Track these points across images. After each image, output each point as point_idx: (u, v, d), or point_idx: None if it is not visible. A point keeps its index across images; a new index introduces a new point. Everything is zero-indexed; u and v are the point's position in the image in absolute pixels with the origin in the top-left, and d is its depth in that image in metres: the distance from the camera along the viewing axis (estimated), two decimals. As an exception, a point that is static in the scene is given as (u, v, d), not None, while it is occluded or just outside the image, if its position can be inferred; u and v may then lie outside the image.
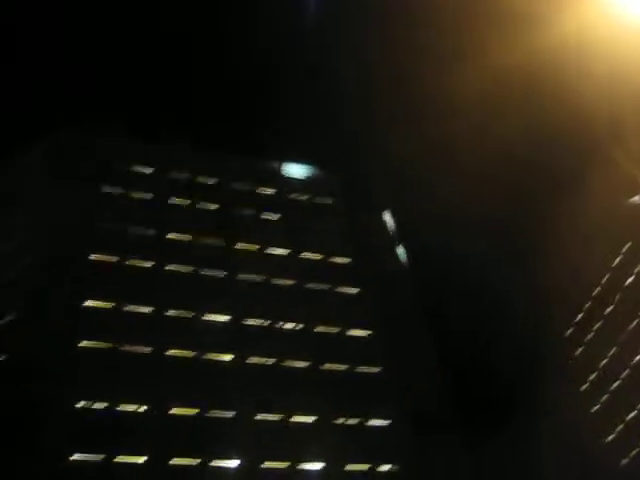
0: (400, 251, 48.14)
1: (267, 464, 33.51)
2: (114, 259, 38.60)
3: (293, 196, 47.14)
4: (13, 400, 31.30)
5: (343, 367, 38.49)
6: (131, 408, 33.33)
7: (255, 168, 48.02)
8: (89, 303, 36.31)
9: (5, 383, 32.80)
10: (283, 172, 48.83)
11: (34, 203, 40.98)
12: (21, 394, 31.71)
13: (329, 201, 47.82)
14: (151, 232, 40.83)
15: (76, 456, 30.95)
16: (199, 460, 32.59)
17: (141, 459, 31.85)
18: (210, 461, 32.84)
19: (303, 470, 34.04)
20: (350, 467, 34.68)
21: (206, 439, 33.34)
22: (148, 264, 39.06)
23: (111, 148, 44.27)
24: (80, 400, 32.65)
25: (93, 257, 38.43)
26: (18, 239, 39.37)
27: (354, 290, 42.68)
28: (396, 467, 35.33)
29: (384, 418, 37.13)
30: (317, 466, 34.22)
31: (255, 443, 33.75)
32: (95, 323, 35.57)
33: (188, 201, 43.57)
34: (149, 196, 42.82)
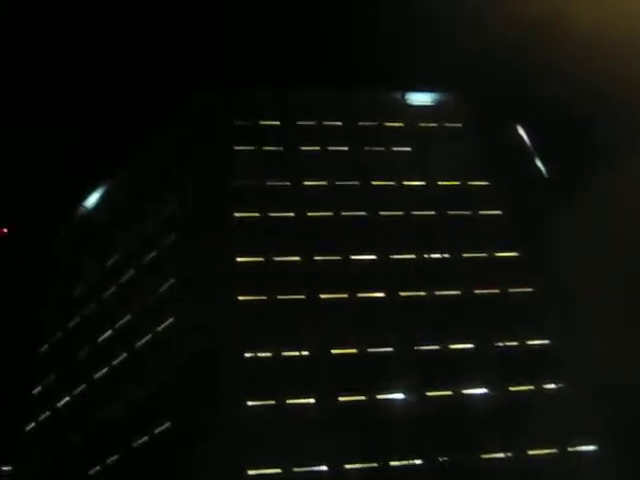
0: (538, 164, 46.40)
1: (431, 393, 34.29)
2: (257, 214, 39.95)
3: (422, 125, 46.39)
4: (188, 358, 33.89)
5: (496, 290, 38.20)
6: (294, 353, 34.99)
7: (379, 101, 47.49)
8: (240, 259, 38.01)
9: (177, 344, 35.47)
10: (408, 102, 48.03)
11: (175, 175, 43.11)
12: (194, 350, 34.24)
13: (459, 125, 46.70)
14: (288, 183, 41.74)
15: (251, 402, 33.08)
16: (365, 396, 33.82)
17: (311, 399, 33.49)
18: (376, 395, 34.00)
19: (467, 395, 34.51)
20: (514, 389, 34.76)
21: (370, 375, 34.42)
22: (290, 214, 40.15)
23: (237, 106, 45.21)
24: (247, 350, 34.63)
25: (237, 214, 39.95)
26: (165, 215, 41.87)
27: (497, 212, 41.86)
28: (560, 384, 35.03)
29: (543, 338, 36.67)
30: (481, 391, 34.59)
31: (417, 374, 34.48)
32: (249, 277, 37.26)
33: (318, 147, 43.98)
34: (281, 148, 43.65)
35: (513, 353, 35.89)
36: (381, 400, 33.91)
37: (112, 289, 44.25)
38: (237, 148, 43.40)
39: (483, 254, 39.74)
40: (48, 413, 45.15)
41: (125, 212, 47.08)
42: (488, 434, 32.89)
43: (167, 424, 33.92)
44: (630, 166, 38.40)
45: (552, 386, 35.04)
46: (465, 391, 34.55)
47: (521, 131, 47.82)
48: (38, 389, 47.52)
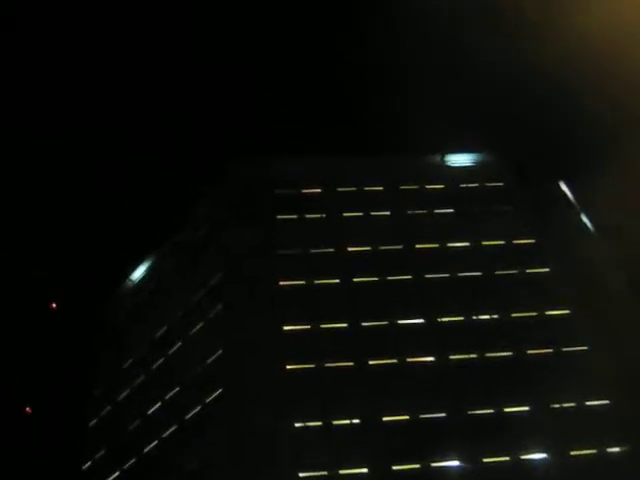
0: (584, 221, 45.87)
1: (487, 460, 33.34)
2: (302, 282, 40.05)
3: (463, 186, 46.45)
4: (238, 430, 33.63)
5: (548, 351, 37.40)
6: (345, 422, 34.49)
7: (419, 164, 47.79)
8: (287, 327, 37.99)
9: (227, 415, 35.26)
10: (448, 163, 48.23)
11: (218, 245, 43.67)
12: (243, 423, 33.99)
13: (500, 184, 46.62)
14: (331, 249, 41.89)
15: (303, 474, 32.53)
16: (419, 464, 33.03)
17: (363, 469, 32.82)
18: (430, 463, 33.19)
19: (525, 461, 33.48)
20: (574, 453, 33.63)
21: (423, 442, 33.69)
22: (335, 280, 40.17)
23: (276, 174, 45.85)
24: (297, 420, 34.23)
25: (282, 283, 40.11)
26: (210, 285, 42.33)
27: (545, 269, 41.34)
28: (624, 448, 33.78)
29: (601, 398, 35.60)
30: (539, 456, 33.54)
31: (472, 441, 33.62)
32: (297, 345, 37.15)
33: (360, 212, 44.21)
34: (323, 215, 44.00)
35: (571, 415, 34.88)
36: (436, 468, 33.09)
37: (160, 360, 44.41)
38: (279, 217, 43.89)
39: (533, 313, 39.10)
40: (99, 489, 44.91)
41: (171, 283, 47.58)
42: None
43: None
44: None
45: (615, 449, 33.82)
46: (523, 457, 33.56)
47: (564, 186, 47.52)
48: (88, 464, 47.36)
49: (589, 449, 33.75)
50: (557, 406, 35.34)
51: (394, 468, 32.93)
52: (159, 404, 42.31)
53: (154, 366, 44.86)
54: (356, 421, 34.49)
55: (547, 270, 41.41)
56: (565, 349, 37.69)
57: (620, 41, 40.74)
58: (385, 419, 34.52)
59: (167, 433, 40.26)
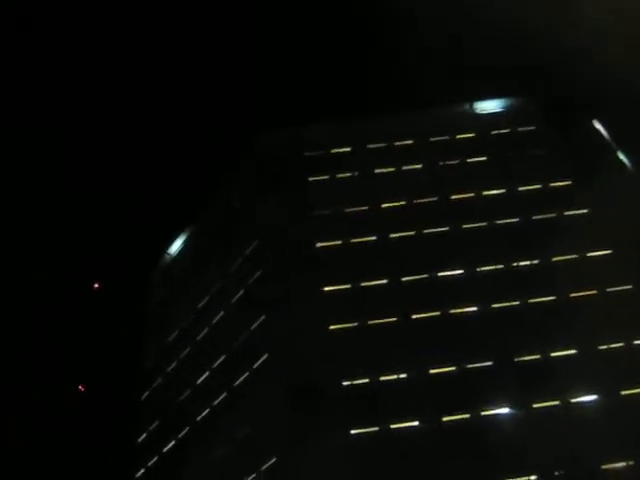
0: (621, 158, 44.83)
1: (538, 405, 33.20)
2: (339, 242, 39.97)
3: (494, 132, 45.65)
4: (287, 392, 33.99)
5: (592, 292, 36.89)
6: (392, 377, 34.60)
7: (448, 115, 47.01)
8: (328, 288, 38.03)
9: (274, 379, 35.62)
10: (477, 112, 47.40)
11: (253, 213, 43.74)
12: (291, 385, 34.32)
13: (532, 127, 45.71)
14: (365, 207, 41.65)
15: (354, 431, 32.78)
16: (470, 414, 33.04)
17: (414, 422, 32.96)
18: (481, 412, 33.19)
19: (576, 404, 33.28)
20: (627, 392, 33.29)
21: (472, 392, 33.67)
22: (372, 238, 40.00)
23: (305, 137, 45.56)
24: (344, 379, 34.44)
25: (319, 244, 40.07)
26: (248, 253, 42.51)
27: (584, 211, 40.60)
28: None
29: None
30: (591, 398, 33.31)
31: (521, 387, 33.47)
32: (338, 306, 37.20)
33: (392, 168, 43.79)
34: (355, 173, 43.71)
35: (619, 355, 34.48)
36: (486, 417, 33.08)
37: (205, 331, 44.94)
38: (311, 179, 43.71)
39: (574, 256, 38.52)
40: (156, 459, 45.89)
41: (209, 254, 47.92)
42: (607, 443, 31.53)
43: (273, 460, 33.96)
44: None
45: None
46: (573, 400, 33.35)
47: (598, 126, 46.40)
48: (143, 437, 48.40)
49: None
50: (604, 347, 34.93)
51: (444, 420, 33.00)
52: (207, 373, 42.91)
53: (199, 336, 45.43)
54: (403, 376, 34.53)
55: (586, 212, 40.67)
56: (609, 289, 37.13)
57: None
58: (432, 372, 34.50)
59: (217, 401, 40.88)
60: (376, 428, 32.85)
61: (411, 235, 39.96)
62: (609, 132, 46.21)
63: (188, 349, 46.48)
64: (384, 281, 37.97)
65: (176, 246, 53.24)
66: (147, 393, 50.24)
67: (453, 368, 34.56)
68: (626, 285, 37.11)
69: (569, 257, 38.55)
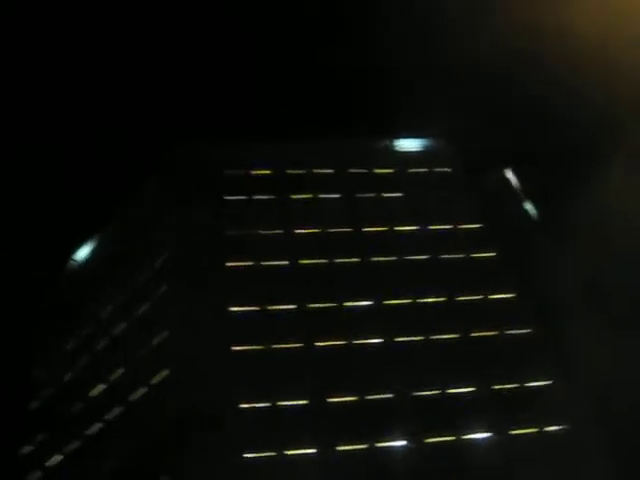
0: (529, 207, 46.76)
1: (432, 440, 33.81)
2: (250, 263, 39.86)
3: (411, 171, 46.83)
4: (183, 411, 33.33)
5: (493, 333, 38.08)
6: (292, 403, 34.51)
7: (369, 149, 48.01)
8: (234, 308, 37.78)
9: (172, 396, 34.91)
10: (397, 149, 48.56)
11: (165, 226, 43.12)
12: (189, 402, 33.71)
13: (448, 170, 47.16)
14: (280, 231, 41.78)
15: (249, 455, 32.45)
16: (366, 445, 33.29)
17: (311, 449, 32.92)
18: (376, 444, 33.49)
19: (468, 441, 34.07)
20: (516, 432, 34.35)
21: (369, 423, 33.96)
22: (283, 262, 40.09)
23: (225, 156, 45.49)
24: (243, 401, 34.13)
25: (230, 264, 39.82)
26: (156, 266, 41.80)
27: (490, 254, 42.03)
28: (565, 427, 34.65)
29: (543, 379, 36.42)
30: (483, 435, 34.18)
31: (417, 421, 34.03)
32: (243, 327, 36.97)
33: (309, 194, 44.19)
34: (272, 196, 43.84)
35: (513, 396, 35.60)
36: (382, 448, 33.41)
37: (105, 342, 43.72)
38: (228, 198, 43.57)
39: (478, 296, 39.75)
40: (39, 473, 43.97)
41: (116, 264, 46.81)
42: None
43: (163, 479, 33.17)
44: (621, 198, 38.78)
45: (554, 428, 34.66)
46: (466, 436, 34.15)
47: (510, 175, 48.32)
48: (28, 448, 46.35)
49: (530, 429, 34.51)
50: (500, 387, 36.02)
51: (340, 448, 33.09)
52: (103, 386, 41.66)
53: (99, 347, 44.14)
54: (302, 402, 34.51)
55: (492, 255, 42.10)
56: (509, 332, 38.41)
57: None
58: (331, 400, 34.64)
59: (111, 415, 39.68)
60: (272, 453, 32.62)
61: (322, 263, 40.30)
62: (520, 182, 48.19)
63: (86, 359, 45.01)
64: (291, 306, 38.04)
65: (83, 252, 51.74)
66: (36, 403, 48.24)
67: (353, 398, 34.81)
68: (525, 329, 38.47)
69: (473, 297, 39.73)
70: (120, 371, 40.58)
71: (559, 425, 34.62)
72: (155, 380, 36.77)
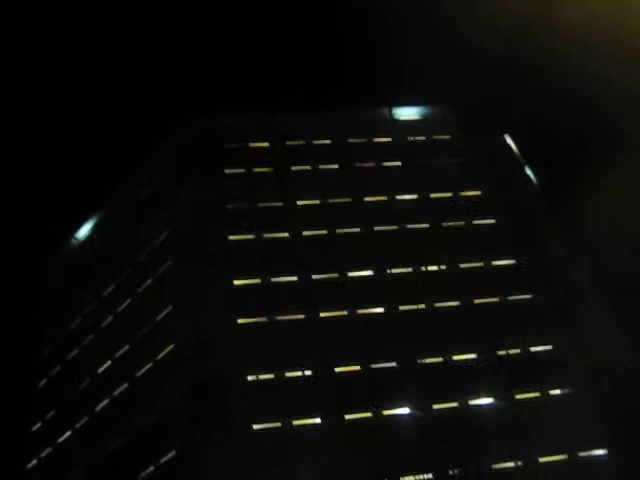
0: (529, 172, 46.65)
1: (437, 406, 34.14)
2: (251, 236, 39.89)
3: (411, 139, 46.61)
4: (190, 385, 33.64)
5: (495, 299, 38.25)
6: (297, 373, 34.80)
7: (367, 118, 47.65)
8: (237, 282, 37.88)
9: (177, 371, 35.18)
10: (396, 117, 48.24)
11: (167, 202, 43.09)
12: (195, 376, 34.01)
13: (448, 137, 46.93)
14: (280, 203, 41.74)
15: (256, 426, 32.80)
16: (371, 412, 33.61)
17: (316, 419, 33.26)
18: (382, 411, 33.82)
19: (473, 406, 34.41)
20: (520, 396, 34.68)
21: (374, 391, 34.26)
22: (284, 234, 40.12)
23: (224, 129, 45.24)
24: (249, 373, 34.40)
25: (232, 237, 39.86)
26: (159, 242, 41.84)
27: (491, 221, 42.03)
28: (566, 391, 34.98)
29: (546, 344, 36.67)
30: (487, 400, 34.51)
31: (422, 388, 34.33)
32: (247, 299, 37.12)
33: (308, 166, 44.04)
34: (271, 169, 43.70)
35: (517, 361, 35.87)
36: (388, 416, 33.73)
37: (109, 319, 43.96)
38: (228, 171, 43.46)
39: (480, 263, 39.82)
40: (50, 449, 44.55)
41: (118, 240, 46.87)
42: (497, 443, 32.73)
43: (172, 453, 33.57)
44: (622, 167, 38.62)
45: (558, 392, 34.97)
46: (471, 402, 34.46)
47: (510, 141, 48.11)
48: (38, 425, 46.90)
49: (533, 392, 34.82)
50: (503, 353, 36.27)
51: (347, 417, 33.40)
52: (109, 363, 42.00)
53: (103, 324, 44.40)
54: (308, 372, 34.78)
55: (493, 222, 42.10)
56: (510, 298, 38.57)
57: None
58: (337, 370, 34.89)
59: (118, 391, 40.06)
60: (278, 424, 32.93)
61: (323, 234, 40.30)
62: (519, 148, 48.02)
63: (91, 337, 45.31)
64: (294, 278, 38.13)
65: (84, 230, 51.77)
66: (45, 381, 48.68)
67: (358, 367, 35.06)
68: (525, 295, 38.62)
69: (474, 264, 39.80)
70: (125, 347, 40.90)
71: (562, 389, 34.93)
72: (160, 355, 37.05)
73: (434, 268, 39.63)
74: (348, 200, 42.33)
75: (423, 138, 46.68)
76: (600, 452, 33.34)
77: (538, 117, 47.25)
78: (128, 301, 42.87)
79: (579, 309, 37.45)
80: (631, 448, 32.42)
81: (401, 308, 37.39)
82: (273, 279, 37.99)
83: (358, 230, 40.84)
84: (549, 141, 46.38)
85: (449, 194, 43.34)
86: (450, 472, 32.05)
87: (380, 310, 37.36)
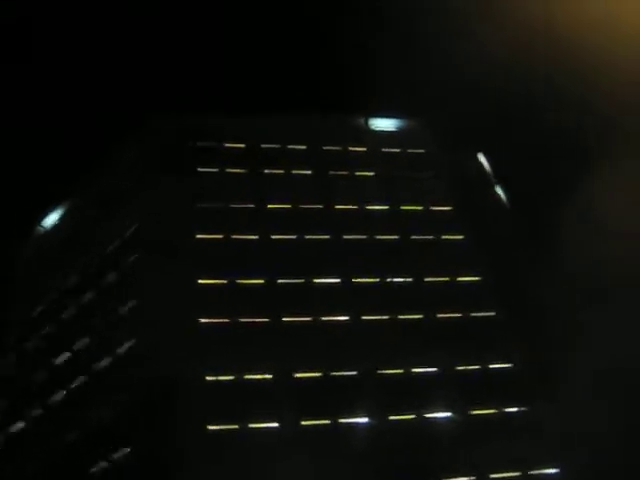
0: (499, 191, 47.20)
1: (394, 418, 34.31)
2: (220, 236, 39.74)
3: (385, 150, 46.88)
4: (148, 381, 33.38)
5: (458, 315, 38.60)
6: (257, 377, 34.71)
7: (343, 127, 47.82)
8: (203, 281, 37.70)
9: (137, 366, 34.90)
10: (372, 127, 48.49)
11: (136, 196, 42.76)
12: (154, 373, 33.74)
13: (421, 150, 47.30)
14: (251, 205, 41.67)
15: (212, 427, 32.62)
16: (329, 420, 33.66)
17: (274, 424, 33.19)
18: (339, 419, 33.87)
19: (430, 419, 34.65)
20: (476, 412, 35.00)
21: (333, 399, 34.32)
22: (254, 236, 40.05)
23: (199, 128, 45.05)
24: (208, 373, 34.22)
25: (200, 236, 39.67)
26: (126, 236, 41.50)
27: (459, 237, 42.42)
28: (523, 409, 35.38)
29: (505, 362, 37.10)
30: (443, 415, 34.77)
31: (380, 399, 34.48)
32: (211, 300, 36.96)
33: (282, 170, 44.04)
34: (244, 170, 43.62)
35: (476, 377, 36.21)
36: (345, 424, 33.80)
37: (71, 310, 43.46)
38: (201, 170, 43.27)
39: (445, 278, 40.18)
40: (1, 438, 43.85)
41: (85, 232, 46.35)
42: (450, 457, 33.04)
43: (127, 450, 33.28)
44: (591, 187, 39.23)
45: (514, 409, 35.39)
46: (428, 415, 34.70)
47: (482, 159, 48.65)
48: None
49: (490, 409, 35.19)
50: (462, 368, 36.59)
51: (303, 423, 33.42)
52: (68, 354, 41.51)
53: (64, 315, 43.88)
54: (267, 376, 34.72)
55: (461, 237, 42.49)
56: (473, 314, 38.96)
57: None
58: (297, 375, 34.90)
59: (74, 384, 39.62)
60: (235, 426, 32.82)
61: (292, 239, 40.32)
62: (491, 166, 48.56)
63: (51, 327, 44.74)
64: (260, 280, 38.09)
65: (51, 219, 51.13)
66: (-1, 369, 47.96)
67: (318, 374, 35.11)
68: (489, 312, 39.04)
69: (440, 279, 40.14)
70: (85, 340, 40.45)
71: (518, 407, 35.35)
72: (121, 350, 36.73)
73: (400, 280, 39.82)
74: (319, 207, 42.42)
75: (397, 150, 46.96)
76: (552, 471, 33.78)
77: (513, 137, 47.87)
78: (91, 293, 42.44)
79: (542, 328, 37.92)
80: (583, 468, 32.85)
81: (364, 318, 37.53)
82: (238, 281, 37.89)
83: (327, 237, 40.92)
84: (521, 160, 46.95)
85: (419, 207, 43.67)
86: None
87: (344, 318, 37.45)
